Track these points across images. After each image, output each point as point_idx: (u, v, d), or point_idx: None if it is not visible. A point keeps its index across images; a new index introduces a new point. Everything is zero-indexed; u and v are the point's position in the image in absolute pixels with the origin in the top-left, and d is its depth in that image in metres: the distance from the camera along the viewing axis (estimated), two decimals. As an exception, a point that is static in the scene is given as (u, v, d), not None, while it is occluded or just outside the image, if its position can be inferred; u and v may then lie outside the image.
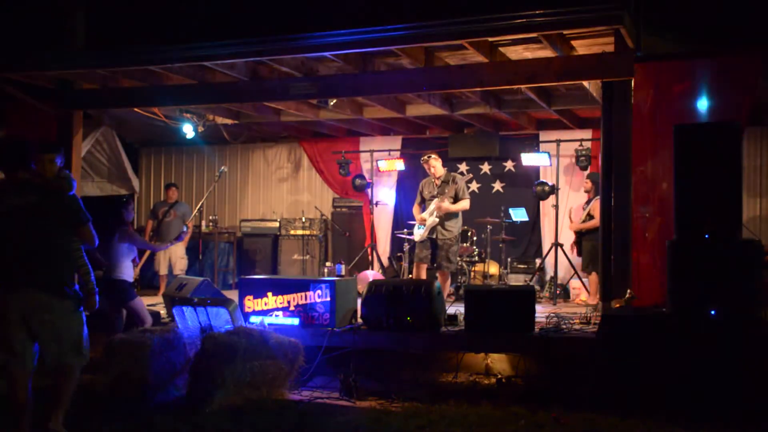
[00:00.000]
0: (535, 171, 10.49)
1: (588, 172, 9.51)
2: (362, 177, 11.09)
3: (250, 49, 6.98)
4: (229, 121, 10.51)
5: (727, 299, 5.17)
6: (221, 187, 12.25)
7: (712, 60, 6.60)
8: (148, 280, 10.69)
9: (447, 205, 7.93)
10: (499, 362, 6.39)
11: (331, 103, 8.42)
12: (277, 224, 11.57)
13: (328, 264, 8.29)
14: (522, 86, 7.54)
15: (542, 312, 7.07)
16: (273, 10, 6.90)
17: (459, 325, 6.55)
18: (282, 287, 6.72)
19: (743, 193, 5.78)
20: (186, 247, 9.90)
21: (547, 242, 10.12)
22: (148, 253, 9.54)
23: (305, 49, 6.97)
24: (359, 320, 6.62)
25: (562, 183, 10.03)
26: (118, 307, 6.79)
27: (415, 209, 8.33)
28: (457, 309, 6.92)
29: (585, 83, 7.62)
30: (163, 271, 9.89)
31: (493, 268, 9.94)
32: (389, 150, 11.18)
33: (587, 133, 10.01)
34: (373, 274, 9.44)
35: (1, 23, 7.76)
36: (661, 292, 5.93)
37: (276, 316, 6.65)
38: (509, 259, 10.27)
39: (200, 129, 10.15)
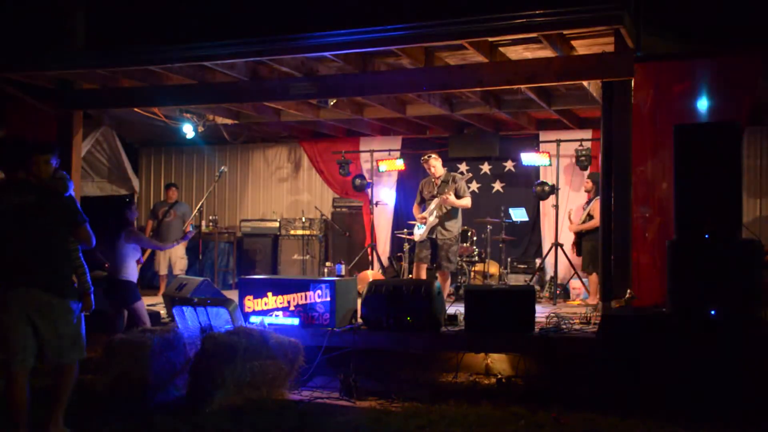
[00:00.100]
0: (535, 171, 10.49)
1: (588, 172, 9.51)
2: (362, 177, 11.08)
3: (250, 49, 6.98)
4: (229, 121, 10.50)
5: (727, 299, 5.17)
6: (221, 187, 12.25)
7: (712, 60, 6.60)
8: (148, 280, 10.67)
9: (453, 198, 7.93)
10: (499, 362, 6.40)
11: (331, 103, 8.42)
12: (277, 224, 11.56)
13: (328, 264, 8.28)
14: (522, 86, 7.53)
15: (542, 312, 7.06)
16: (273, 10, 6.89)
17: (459, 325, 6.55)
18: (282, 287, 6.72)
19: (743, 194, 5.78)
20: (186, 247, 9.91)
21: (547, 242, 10.12)
22: (148, 252, 9.53)
23: (305, 49, 6.96)
24: (359, 320, 6.62)
25: (562, 183, 10.02)
26: (121, 307, 6.80)
27: (415, 209, 8.33)
28: (457, 309, 6.92)
29: (585, 83, 7.61)
30: (163, 271, 9.90)
31: (493, 268, 9.94)
32: (389, 150, 11.18)
33: (587, 133, 10.00)
34: (373, 274, 9.44)
35: (1, 23, 7.75)
36: (661, 292, 5.94)
37: (276, 316, 6.65)
38: (509, 259, 10.26)
39: (200, 129, 10.15)
